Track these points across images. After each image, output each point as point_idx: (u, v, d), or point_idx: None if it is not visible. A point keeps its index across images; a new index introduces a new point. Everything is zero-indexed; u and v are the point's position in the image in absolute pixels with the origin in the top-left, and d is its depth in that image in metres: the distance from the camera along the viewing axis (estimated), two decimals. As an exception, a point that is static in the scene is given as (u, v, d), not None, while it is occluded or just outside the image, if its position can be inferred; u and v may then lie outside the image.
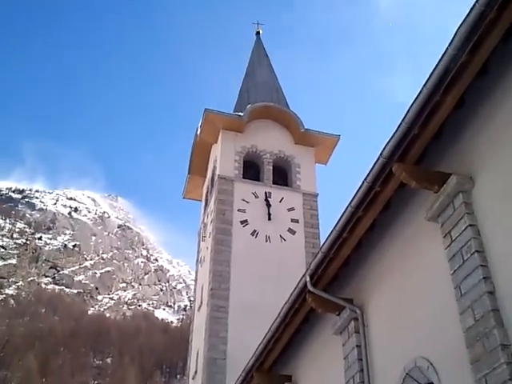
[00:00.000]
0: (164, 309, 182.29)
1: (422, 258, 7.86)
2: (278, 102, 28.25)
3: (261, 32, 34.36)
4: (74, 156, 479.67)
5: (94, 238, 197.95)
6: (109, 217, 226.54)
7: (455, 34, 6.30)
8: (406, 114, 7.10)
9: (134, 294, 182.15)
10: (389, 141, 7.43)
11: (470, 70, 6.46)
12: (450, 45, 6.38)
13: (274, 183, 24.90)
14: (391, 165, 7.47)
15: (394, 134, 7.31)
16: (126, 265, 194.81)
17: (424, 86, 6.77)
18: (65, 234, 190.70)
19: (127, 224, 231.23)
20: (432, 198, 7.38)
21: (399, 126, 7.21)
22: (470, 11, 6.09)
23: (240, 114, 26.05)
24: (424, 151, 7.56)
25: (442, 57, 6.51)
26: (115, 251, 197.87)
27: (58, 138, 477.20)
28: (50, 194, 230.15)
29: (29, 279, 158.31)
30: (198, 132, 26.58)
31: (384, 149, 7.51)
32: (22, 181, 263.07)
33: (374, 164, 7.74)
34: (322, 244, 9.62)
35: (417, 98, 6.93)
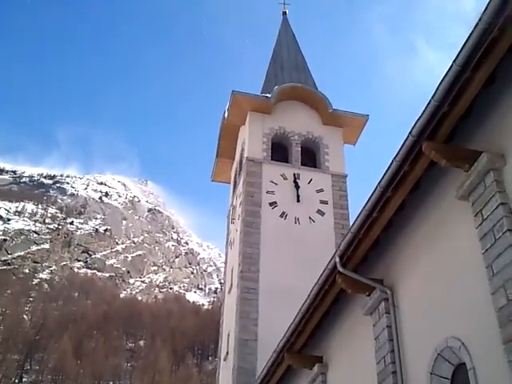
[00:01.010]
0: (195, 291, 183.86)
1: (452, 238, 7.77)
2: (305, 82, 28.03)
3: (287, 12, 34.10)
4: (109, 141, 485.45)
5: (124, 222, 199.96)
6: (139, 201, 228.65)
7: (486, 8, 6.15)
8: (436, 92, 6.97)
9: (165, 277, 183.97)
10: (418, 119, 7.32)
11: (501, 45, 6.30)
12: (480, 19, 6.24)
13: (302, 164, 24.78)
14: (421, 143, 7.37)
15: (424, 112, 7.20)
16: (156, 248, 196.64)
17: (454, 62, 6.64)
18: (96, 218, 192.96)
19: (157, 208, 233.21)
20: (462, 176, 7.27)
21: (428, 104, 7.09)
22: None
23: (267, 95, 25.93)
24: (454, 129, 7.43)
25: (472, 32, 6.37)
26: (146, 235, 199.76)
27: (92, 123, 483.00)
28: (80, 179, 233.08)
29: (61, 264, 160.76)
30: (226, 114, 26.53)
31: (413, 127, 7.40)
32: (56, 166, 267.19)
33: (404, 143, 7.64)
34: (351, 225, 9.56)
35: (446, 74, 6.80)
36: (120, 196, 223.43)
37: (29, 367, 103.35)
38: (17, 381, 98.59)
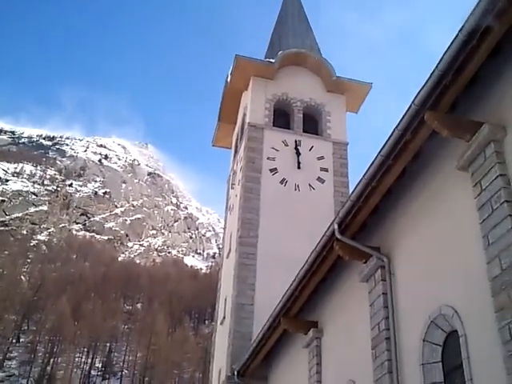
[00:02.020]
0: (193, 256, 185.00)
1: (450, 208, 7.84)
2: (310, 48, 27.78)
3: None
4: (112, 104, 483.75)
5: (124, 185, 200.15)
6: (139, 164, 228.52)
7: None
8: (440, 61, 6.95)
9: (164, 241, 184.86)
10: (421, 88, 7.31)
11: (508, 15, 6.27)
12: (486, -11, 6.21)
13: (304, 131, 24.69)
14: (423, 113, 7.38)
15: (427, 81, 7.19)
16: (155, 212, 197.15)
17: (459, 31, 6.61)
18: (95, 181, 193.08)
19: (157, 172, 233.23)
20: (463, 147, 7.30)
21: (433, 73, 7.08)
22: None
23: (271, 60, 25.75)
24: (456, 99, 7.43)
25: (479, 2, 6.33)
26: (145, 199, 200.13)
27: (96, 87, 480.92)
28: (80, 141, 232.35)
29: (60, 226, 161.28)
30: (229, 79, 26.37)
31: (416, 96, 7.40)
32: (59, 128, 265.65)
33: (406, 112, 7.65)
34: (350, 193, 9.62)
35: (451, 44, 6.77)
36: (120, 159, 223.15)
37: (26, 327, 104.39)
38: (14, 341, 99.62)
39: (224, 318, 21.63)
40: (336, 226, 9.76)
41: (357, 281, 10.13)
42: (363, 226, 9.88)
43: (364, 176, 8.86)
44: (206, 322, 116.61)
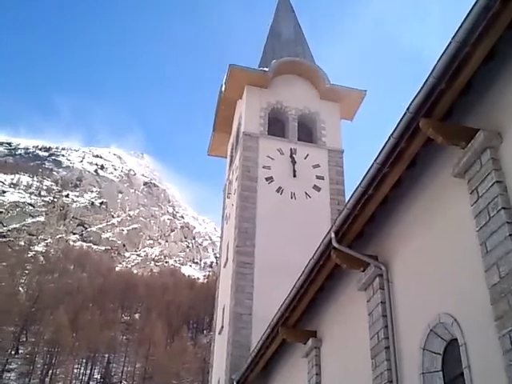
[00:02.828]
0: (190, 265, 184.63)
1: (447, 215, 7.79)
2: (303, 56, 27.86)
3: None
4: (110, 114, 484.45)
5: (120, 195, 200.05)
6: (135, 174, 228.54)
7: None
8: (434, 68, 6.93)
9: (161, 251, 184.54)
10: (416, 95, 7.29)
11: (501, 21, 6.25)
12: (480, -5, 6.19)
13: (299, 140, 24.71)
14: (418, 120, 7.35)
15: (422, 88, 7.16)
16: (152, 222, 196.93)
17: (453, 38, 6.59)
18: (91, 191, 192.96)
19: (153, 181, 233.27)
20: (459, 154, 7.26)
21: (427, 80, 7.06)
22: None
23: (265, 69, 25.77)
24: (451, 106, 7.40)
25: (473, 8, 6.31)
26: (142, 208, 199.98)
27: (94, 96, 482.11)
28: (76, 151, 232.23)
29: (57, 236, 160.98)
30: (223, 88, 26.38)
31: (411, 104, 7.37)
32: (59, 139, 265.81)
33: (401, 119, 7.62)
34: (347, 201, 9.58)
35: (445, 51, 6.75)
36: (116, 169, 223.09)
37: (25, 339, 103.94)
38: (13, 352, 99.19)
39: (222, 327, 21.57)
40: (333, 235, 9.71)
41: (355, 289, 10.07)
42: (360, 234, 9.82)
43: (360, 184, 8.82)
44: (204, 331, 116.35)
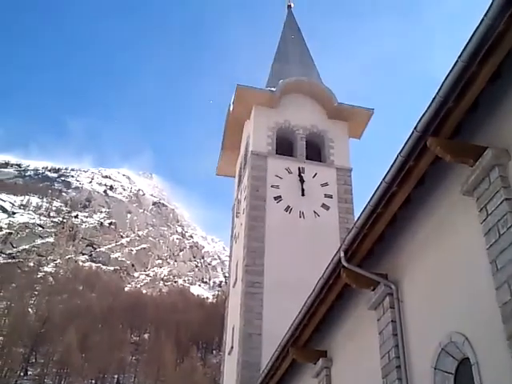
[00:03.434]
0: (199, 285, 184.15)
1: (457, 233, 7.77)
2: (310, 76, 27.99)
3: (292, 5, 34.06)
4: (121, 135, 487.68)
5: (129, 215, 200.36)
6: (144, 194, 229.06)
7: (492, 3, 6.14)
8: (441, 87, 6.97)
9: (170, 271, 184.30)
10: (423, 114, 7.32)
11: (507, 40, 6.29)
12: (486, 15, 6.23)
13: (307, 158, 24.75)
14: (426, 139, 7.37)
15: (429, 107, 7.19)
16: (161, 242, 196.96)
17: (459, 57, 6.63)
18: (101, 212, 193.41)
19: (162, 201, 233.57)
20: (467, 171, 7.26)
21: (434, 99, 7.09)
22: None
23: (272, 89, 25.90)
24: (459, 124, 7.41)
25: (478, 27, 6.36)
26: (150, 228, 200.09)
27: (107, 117, 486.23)
28: (85, 172, 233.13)
29: (66, 257, 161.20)
30: (231, 108, 26.52)
31: (418, 122, 7.40)
32: (70, 160, 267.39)
33: (409, 138, 7.64)
34: (356, 219, 9.57)
35: (452, 70, 6.79)
36: (125, 189, 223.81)
37: (34, 360, 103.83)
38: (22, 374, 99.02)
39: (232, 348, 21.47)
40: (342, 254, 9.69)
41: (365, 309, 10.02)
42: (370, 253, 9.79)
43: (369, 203, 8.82)
44: (214, 351, 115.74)
